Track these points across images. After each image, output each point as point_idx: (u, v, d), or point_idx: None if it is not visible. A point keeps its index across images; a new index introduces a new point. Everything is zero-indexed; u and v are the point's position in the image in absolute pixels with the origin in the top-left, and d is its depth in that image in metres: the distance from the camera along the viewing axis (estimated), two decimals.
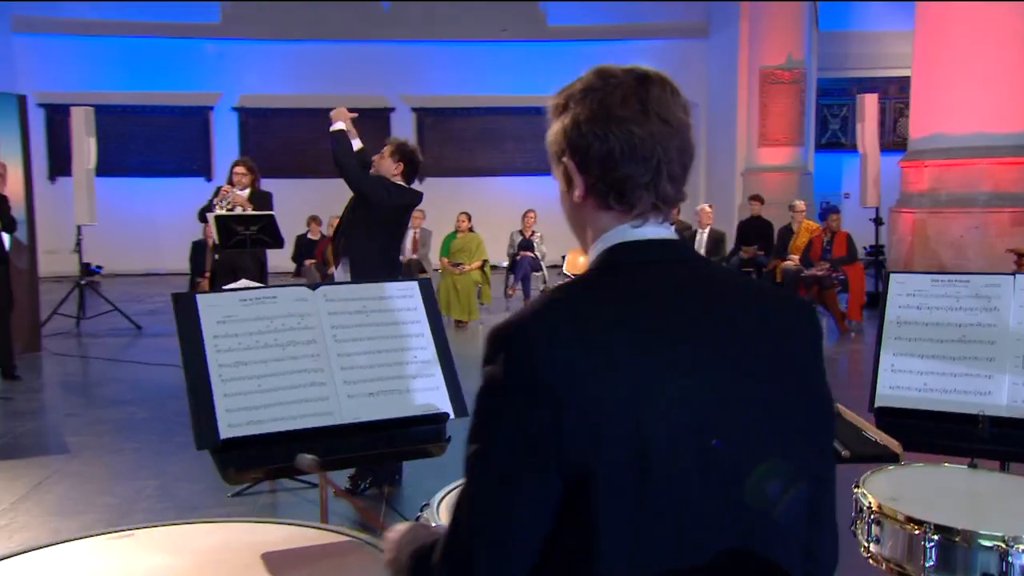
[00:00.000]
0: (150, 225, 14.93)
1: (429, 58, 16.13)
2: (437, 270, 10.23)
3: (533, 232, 10.76)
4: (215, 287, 6.82)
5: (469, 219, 9.89)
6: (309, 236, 12.43)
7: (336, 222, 5.82)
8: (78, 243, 10.49)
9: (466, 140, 16.57)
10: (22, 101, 8.55)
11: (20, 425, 6.02)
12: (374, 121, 16.16)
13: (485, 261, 9.63)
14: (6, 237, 6.93)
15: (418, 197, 4.89)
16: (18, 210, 7.56)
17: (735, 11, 15.52)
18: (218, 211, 6.32)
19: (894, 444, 2.17)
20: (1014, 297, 2.38)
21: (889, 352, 2.50)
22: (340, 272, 4.71)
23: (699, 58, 16.73)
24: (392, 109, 16.33)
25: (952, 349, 2.42)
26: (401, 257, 10.44)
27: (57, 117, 15.05)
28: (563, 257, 10.95)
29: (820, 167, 15.86)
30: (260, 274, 6.41)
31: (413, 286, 2.44)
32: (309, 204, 14.93)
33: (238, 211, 6.44)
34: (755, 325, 1.16)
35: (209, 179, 15.38)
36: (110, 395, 6.98)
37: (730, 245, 12.18)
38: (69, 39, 15.02)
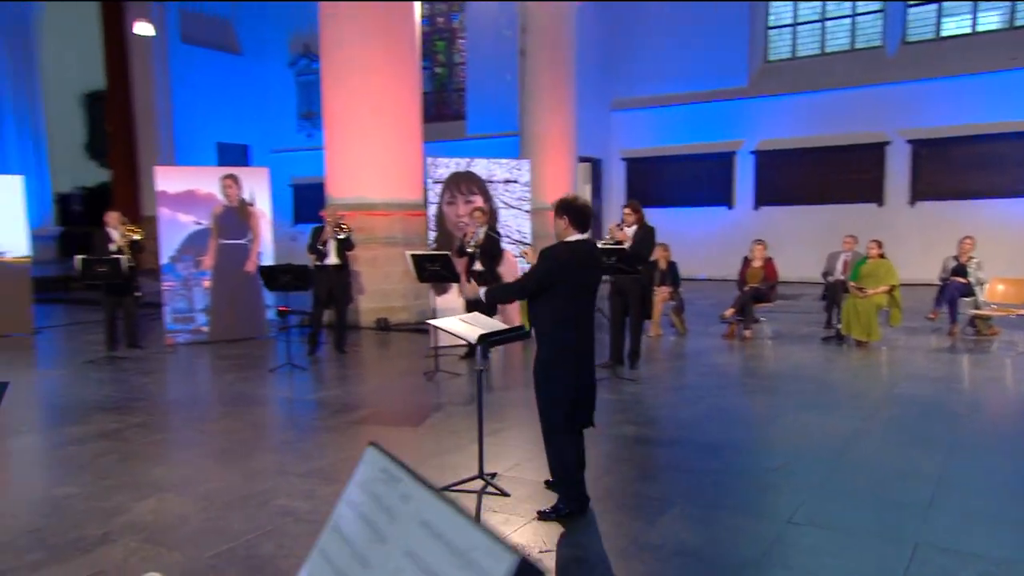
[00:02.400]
0: (686, 242, 16.97)
1: (930, 93, 14.74)
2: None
3: (970, 258, 9.80)
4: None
5: (879, 246, 9.46)
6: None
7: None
8: None
9: (961, 167, 14.81)
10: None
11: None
12: (869, 154, 15.80)
13: (894, 286, 9.22)
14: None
15: (586, 244, 3.91)
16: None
17: None
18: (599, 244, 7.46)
19: None
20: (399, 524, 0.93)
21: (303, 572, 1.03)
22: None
23: None
24: (888, 143, 15.37)
25: None
26: (830, 277, 10.60)
27: (634, 167, 18.25)
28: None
29: None
30: (641, 295, 7.60)
31: None
32: (815, 227, 15.45)
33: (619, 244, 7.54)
34: None
35: (730, 207, 16.94)
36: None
37: None
38: (643, 111, 17.87)
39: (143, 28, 18.53)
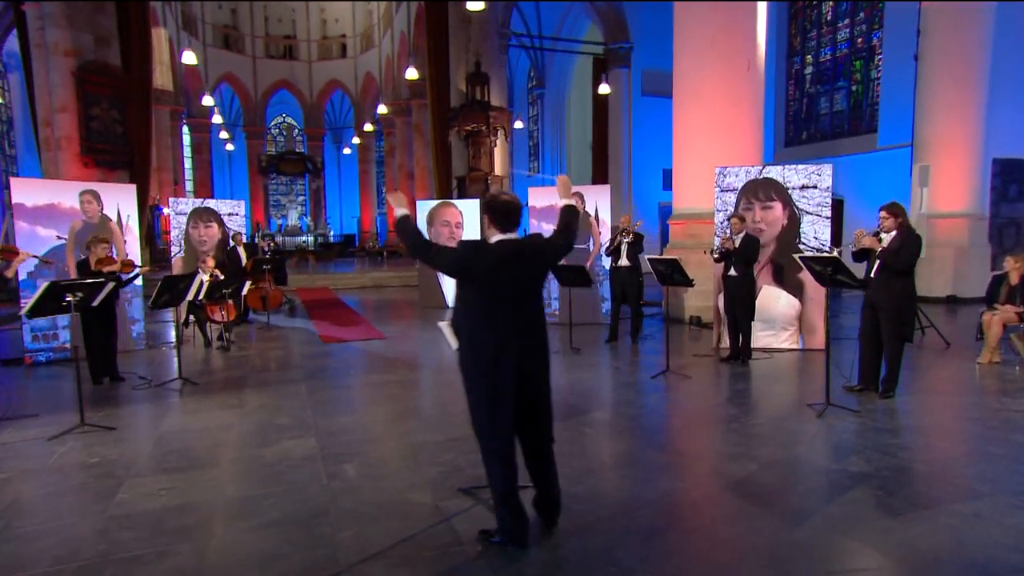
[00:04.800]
0: None
1: None
2: None
3: None
4: None
5: None
6: None
7: None
8: None
9: None
10: None
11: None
12: None
13: None
14: None
15: (510, 243, 2.68)
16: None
17: None
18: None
19: None
20: None
21: None
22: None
23: None
24: None
25: None
26: None
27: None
28: None
29: None
30: (897, 310, 4.76)
31: None
32: None
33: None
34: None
35: None
36: None
37: None
38: None
39: (604, 88, 19.49)
